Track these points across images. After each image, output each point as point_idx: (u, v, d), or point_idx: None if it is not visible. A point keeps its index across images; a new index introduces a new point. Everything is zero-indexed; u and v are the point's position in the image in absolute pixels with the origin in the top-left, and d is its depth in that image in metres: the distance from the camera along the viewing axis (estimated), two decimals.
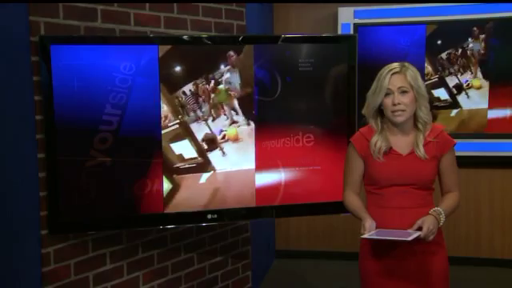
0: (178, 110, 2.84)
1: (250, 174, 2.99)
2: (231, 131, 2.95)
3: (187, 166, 2.90)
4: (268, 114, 2.97)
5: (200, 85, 2.86)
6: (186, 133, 2.87)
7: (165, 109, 2.81)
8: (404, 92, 2.20)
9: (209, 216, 2.93)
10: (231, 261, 3.51)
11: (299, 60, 2.98)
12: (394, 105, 2.19)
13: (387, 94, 2.21)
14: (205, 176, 2.94)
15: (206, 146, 2.92)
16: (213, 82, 2.88)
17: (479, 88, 4.40)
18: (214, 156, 2.94)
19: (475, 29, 4.32)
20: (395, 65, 2.23)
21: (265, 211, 3.05)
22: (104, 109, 2.66)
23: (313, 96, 3.04)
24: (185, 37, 2.88)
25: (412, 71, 2.22)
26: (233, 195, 2.98)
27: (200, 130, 2.90)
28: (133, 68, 2.71)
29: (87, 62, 2.62)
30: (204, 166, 2.94)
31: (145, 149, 2.78)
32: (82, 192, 2.66)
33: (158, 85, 2.77)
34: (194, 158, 2.91)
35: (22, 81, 2.49)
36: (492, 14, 4.29)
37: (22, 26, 2.48)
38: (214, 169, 2.95)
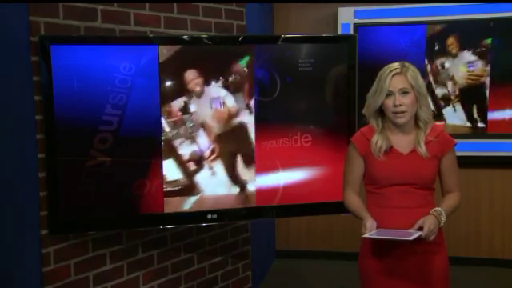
0: (162, 126, 2.78)
1: (237, 196, 2.94)
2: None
3: (169, 189, 2.82)
4: (267, 114, 2.97)
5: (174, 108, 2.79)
6: (169, 151, 2.82)
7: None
8: (405, 93, 2.20)
9: (209, 216, 2.93)
10: (231, 261, 3.51)
11: (299, 60, 2.98)
12: (396, 106, 2.19)
13: (388, 95, 2.21)
14: (191, 200, 2.88)
15: (193, 167, 2.85)
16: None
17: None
18: (201, 177, 2.87)
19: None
20: (395, 65, 2.23)
21: (265, 211, 3.05)
22: (104, 109, 2.66)
23: (313, 96, 3.03)
24: (185, 37, 2.88)
25: (412, 71, 2.22)
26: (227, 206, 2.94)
27: (186, 148, 2.83)
28: (132, 68, 2.70)
29: (87, 62, 2.62)
30: (190, 188, 2.87)
31: (145, 149, 2.78)
32: (81, 192, 2.66)
33: (157, 85, 2.77)
34: (178, 181, 2.84)
35: (22, 81, 2.49)
36: (492, 14, 4.29)
37: (22, 26, 2.48)
38: (200, 192, 2.89)
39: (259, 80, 2.93)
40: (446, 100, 4.41)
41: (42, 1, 2.53)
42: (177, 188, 2.84)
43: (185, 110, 2.82)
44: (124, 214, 2.78)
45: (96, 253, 2.81)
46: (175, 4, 3.06)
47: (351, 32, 4.46)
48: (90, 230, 2.75)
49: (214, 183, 2.91)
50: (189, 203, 2.87)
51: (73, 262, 2.71)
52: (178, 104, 2.80)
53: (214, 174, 2.90)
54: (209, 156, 2.88)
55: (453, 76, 4.38)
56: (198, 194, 2.88)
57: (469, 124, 4.40)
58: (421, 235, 2.10)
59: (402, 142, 2.26)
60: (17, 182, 2.44)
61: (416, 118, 2.26)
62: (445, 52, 4.37)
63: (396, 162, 2.24)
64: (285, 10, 4.76)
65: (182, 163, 2.84)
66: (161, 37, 2.88)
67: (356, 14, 4.49)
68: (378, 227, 2.19)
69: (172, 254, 3.18)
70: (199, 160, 2.86)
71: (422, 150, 2.22)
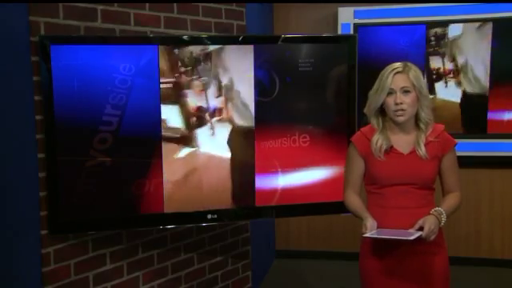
0: (177, 65, 2.76)
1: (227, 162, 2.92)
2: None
3: (168, 134, 2.79)
4: (266, 114, 2.96)
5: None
6: (177, 97, 2.80)
7: (162, 62, 2.74)
8: (406, 92, 2.20)
9: (209, 216, 2.93)
10: (231, 261, 3.51)
11: (299, 60, 2.98)
12: (396, 104, 2.19)
13: (389, 94, 2.21)
14: (184, 151, 2.85)
15: (195, 120, 2.83)
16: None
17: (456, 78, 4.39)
18: (201, 133, 2.86)
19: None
20: (398, 64, 2.23)
21: (265, 211, 3.05)
22: (104, 109, 2.66)
23: (313, 96, 3.03)
24: (185, 37, 2.88)
25: (415, 71, 2.22)
26: (211, 182, 2.90)
27: (194, 99, 2.82)
28: (132, 69, 2.70)
29: (87, 62, 2.62)
30: (187, 140, 2.85)
31: (145, 149, 2.78)
32: (81, 192, 2.66)
33: (157, 85, 2.77)
34: (179, 129, 2.82)
35: (21, 81, 2.49)
36: (492, 14, 4.29)
37: (22, 26, 2.48)
38: (197, 146, 2.87)
39: (259, 80, 2.93)
40: (439, 74, 4.39)
41: (42, 1, 2.53)
42: (176, 135, 2.81)
43: (205, 56, 2.81)
44: (124, 214, 2.78)
45: (96, 253, 2.81)
46: (175, 4, 3.06)
47: (351, 32, 4.46)
48: (90, 230, 2.74)
49: (211, 143, 2.88)
50: (183, 152, 2.83)
51: (73, 262, 2.71)
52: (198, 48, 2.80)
53: (213, 134, 2.88)
54: (213, 115, 2.87)
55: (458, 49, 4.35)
56: (193, 147, 2.86)
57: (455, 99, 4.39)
58: (421, 235, 2.10)
59: (403, 142, 2.26)
60: (17, 181, 2.44)
61: (416, 119, 2.26)
62: None
63: (396, 162, 2.24)
64: (285, 10, 4.76)
65: (185, 112, 2.82)
66: (161, 37, 2.88)
67: (356, 14, 4.49)
68: (378, 227, 2.19)
69: (172, 254, 3.18)
70: (203, 115, 2.85)
71: (422, 151, 2.22)
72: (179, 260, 3.22)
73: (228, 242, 3.48)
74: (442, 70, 4.39)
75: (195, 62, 2.80)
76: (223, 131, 2.90)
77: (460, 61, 4.35)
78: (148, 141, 2.78)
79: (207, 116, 2.86)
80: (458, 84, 4.36)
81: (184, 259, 3.24)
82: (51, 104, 2.56)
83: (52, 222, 2.59)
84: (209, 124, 2.88)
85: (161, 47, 2.74)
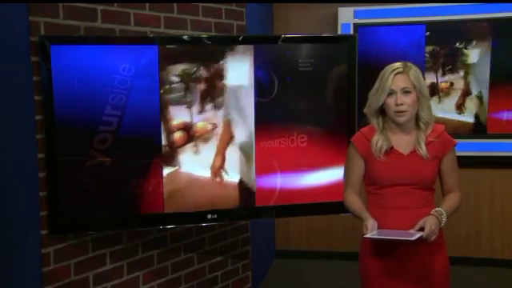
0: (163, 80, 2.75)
1: (212, 183, 2.89)
2: (201, 124, 2.83)
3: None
4: (266, 114, 2.96)
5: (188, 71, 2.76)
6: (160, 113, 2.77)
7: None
8: (407, 92, 2.20)
9: (209, 216, 2.93)
10: (231, 261, 3.51)
11: (299, 60, 2.98)
12: (397, 105, 2.19)
13: (390, 94, 2.21)
14: (165, 171, 2.82)
15: (178, 135, 2.81)
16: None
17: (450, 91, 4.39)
18: (183, 150, 2.83)
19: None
20: (398, 64, 2.22)
21: (264, 211, 3.05)
22: (104, 109, 2.66)
23: (313, 96, 3.03)
24: (185, 37, 2.88)
25: (415, 71, 2.22)
26: (211, 182, 2.88)
27: (178, 116, 2.81)
28: (132, 69, 2.70)
29: (87, 62, 2.62)
30: (168, 158, 2.81)
31: (144, 149, 2.78)
32: (81, 192, 2.66)
33: (157, 85, 2.76)
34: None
35: (21, 81, 2.49)
36: (492, 14, 4.29)
37: (22, 26, 2.48)
38: (178, 165, 2.84)
39: (259, 80, 2.93)
40: (433, 90, 4.38)
41: (42, 1, 2.53)
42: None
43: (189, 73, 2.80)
44: (124, 214, 2.78)
45: (96, 253, 2.81)
46: (175, 4, 3.06)
47: (351, 32, 4.46)
48: (89, 230, 2.74)
49: (193, 161, 2.86)
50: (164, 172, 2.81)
51: (73, 262, 2.71)
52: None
53: (196, 152, 2.85)
54: (197, 133, 2.84)
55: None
56: (174, 166, 2.83)
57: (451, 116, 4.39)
58: (422, 236, 2.10)
59: (403, 143, 2.26)
60: (17, 181, 2.44)
61: (417, 119, 2.25)
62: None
63: (396, 162, 2.24)
64: (285, 10, 4.76)
65: (169, 128, 2.79)
66: (161, 37, 2.88)
67: (356, 14, 4.49)
68: (378, 228, 2.19)
69: (172, 254, 3.18)
70: (187, 133, 2.82)
71: (423, 151, 2.22)
72: (179, 260, 3.22)
73: (228, 242, 3.48)
74: (435, 84, 4.40)
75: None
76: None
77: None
78: (148, 141, 2.78)
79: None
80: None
81: (184, 259, 3.24)
82: (51, 104, 2.56)
83: (52, 222, 2.59)
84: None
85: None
